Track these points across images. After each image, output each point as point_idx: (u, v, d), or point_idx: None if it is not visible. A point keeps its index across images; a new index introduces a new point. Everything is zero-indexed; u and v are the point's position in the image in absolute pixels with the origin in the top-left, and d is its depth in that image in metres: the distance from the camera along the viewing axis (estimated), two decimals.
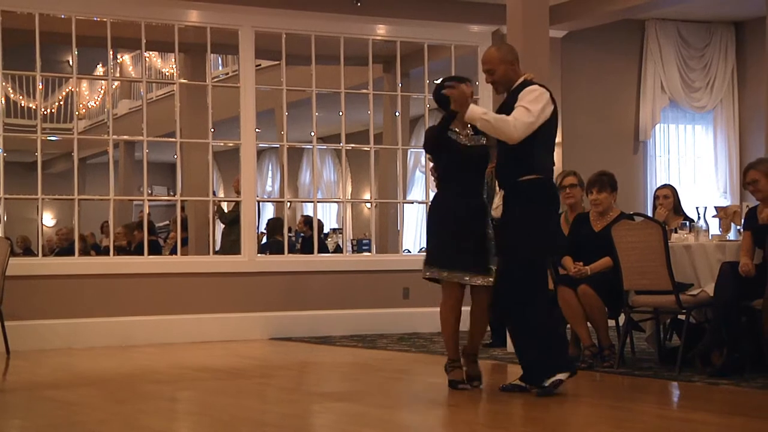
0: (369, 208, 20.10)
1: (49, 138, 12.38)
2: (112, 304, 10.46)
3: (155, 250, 12.85)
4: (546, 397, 6.20)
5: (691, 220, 8.16)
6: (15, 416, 6.31)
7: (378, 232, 14.00)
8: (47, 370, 8.60)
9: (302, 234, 15.30)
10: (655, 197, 8.76)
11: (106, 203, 11.42)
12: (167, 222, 18.03)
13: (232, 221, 12.45)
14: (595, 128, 12.86)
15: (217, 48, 12.39)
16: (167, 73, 19.12)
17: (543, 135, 6.40)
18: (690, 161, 13.77)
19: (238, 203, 11.70)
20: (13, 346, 9.60)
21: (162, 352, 9.70)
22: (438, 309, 6.70)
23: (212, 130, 11.37)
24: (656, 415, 5.94)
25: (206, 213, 12.11)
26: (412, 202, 16.80)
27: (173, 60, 12.98)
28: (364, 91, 12.08)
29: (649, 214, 9.02)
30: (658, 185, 9.64)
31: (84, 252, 13.94)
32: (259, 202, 11.78)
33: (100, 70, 18.95)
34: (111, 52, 11.12)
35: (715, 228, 8.25)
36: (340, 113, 11.76)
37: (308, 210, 19.74)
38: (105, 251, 14.19)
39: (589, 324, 7.87)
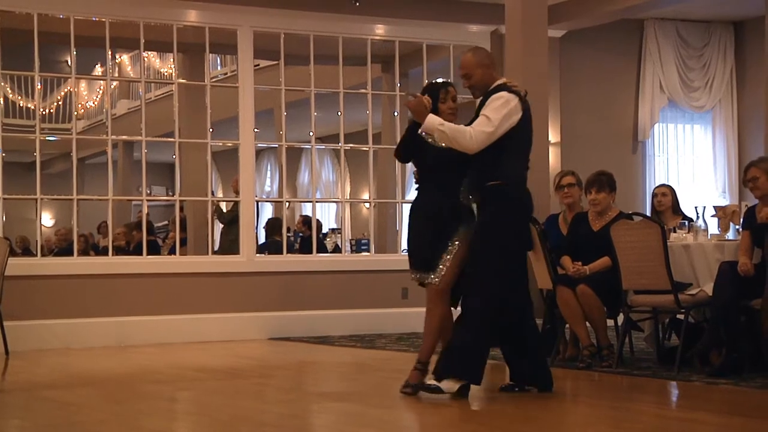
0: (368, 208, 20.08)
1: (47, 138, 12.39)
2: (111, 304, 10.46)
3: (154, 250, 12.84)
4: (431, 392, 6.17)
5: (690, 220, 8.16)
6: (14, 416, 6.30)
7: (377, 232, 13.99)
8: (46, 370, 8.60)
9: (301, 234, 15.30)
10: (653, 195, 8.77)
11: (104, 203, 11.41)
12: (166, 222, 18.02)
13: (231, 221, 12.44)
14: (593, 128, 12.86)
15: (216, 48, 12.39)
16: (166, 73, 19.10)
17: (511, 142, 6.33)
18: (689, 161, 13.78)
19: (236, 203, 11.70)
20: (12, 347, 9.59)
21: (161, 352, 9.70)
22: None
23: (211, 130, 11.36)
24: (655, 415, 5.94)
25: (205, 213, 12.11)
26: (411, 202, 16.75)
27: (172, 60, 12.97)
28: (363, 91, 12.07)
29: (648, 213, 9.03)
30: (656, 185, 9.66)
31: (83, 252, 13.92)
32: (257, 202, 11.78)
33: (98, 70, 18.92)
34: (109, 52, 11.12)
35: (713, 227, 8.25)
36: (339, 113, 11.76)
37: (307, 210, 19.76)
38: (104, 251, 14.19)
39: (587, 324, 7.87)
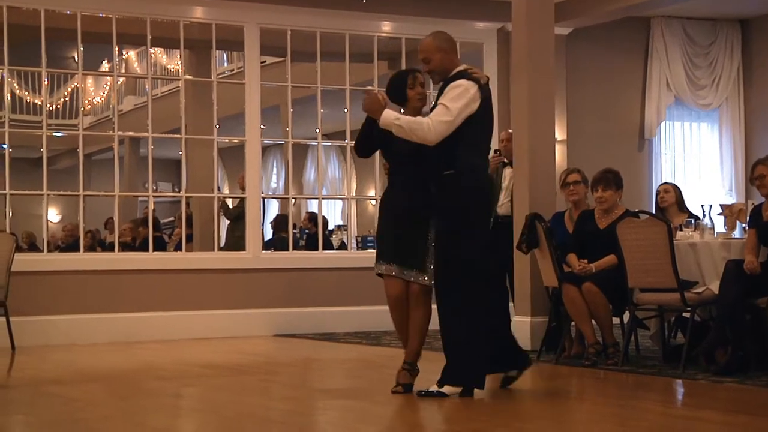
0: (374, 205, 20.07)
1: (54, 134, 12.42)
2: (117, 300, 10.47)
3: (160, 246, 12.86)
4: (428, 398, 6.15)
5: (696, 218, 8.15)
6: (19, 412, 6.32)
7: None
8: (51, 365, 8.61)
9: (307, 231, 15.29)
10: (657, 193, 8.77)
11: (111, 199, 11.43)
12: (172, 218, 18.04)
13: (237, 217, 12.45)
14: (600, 126, 12.83)
15: (223, 44, 12.40)
16: (172, 70, 19.11)
17: (468, 129, 6.16)
18: (695, 159, 13.75)
19: (242, 200, 11.70)
20: (18, 342, 9.61)
21: (166, 349, 9.71)
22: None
23: (217, 126, 11.37)
24: (660, 413, 5.93)
25: (211, 209, 12.10)
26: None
27: (178, 56, 12.96)
28: (369, 87, 12.06)
29: (653, 211, 9.02)
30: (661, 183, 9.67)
31: (90, 248, 13.94)
32: (263, 198, 11.78)
33: (105, 66, 18.93)
34: (116, 49, 11.14)
35: (720, 226, 8.23)
36: (345, 110, 11.75)
37: (313, 207, 19.74)
38: (110, 247, 14.21)
39: (593, 321, 7.87)
